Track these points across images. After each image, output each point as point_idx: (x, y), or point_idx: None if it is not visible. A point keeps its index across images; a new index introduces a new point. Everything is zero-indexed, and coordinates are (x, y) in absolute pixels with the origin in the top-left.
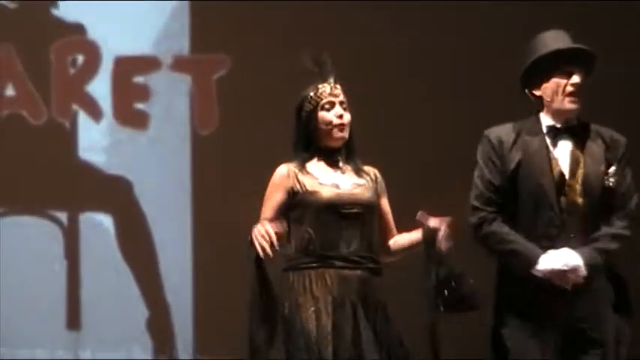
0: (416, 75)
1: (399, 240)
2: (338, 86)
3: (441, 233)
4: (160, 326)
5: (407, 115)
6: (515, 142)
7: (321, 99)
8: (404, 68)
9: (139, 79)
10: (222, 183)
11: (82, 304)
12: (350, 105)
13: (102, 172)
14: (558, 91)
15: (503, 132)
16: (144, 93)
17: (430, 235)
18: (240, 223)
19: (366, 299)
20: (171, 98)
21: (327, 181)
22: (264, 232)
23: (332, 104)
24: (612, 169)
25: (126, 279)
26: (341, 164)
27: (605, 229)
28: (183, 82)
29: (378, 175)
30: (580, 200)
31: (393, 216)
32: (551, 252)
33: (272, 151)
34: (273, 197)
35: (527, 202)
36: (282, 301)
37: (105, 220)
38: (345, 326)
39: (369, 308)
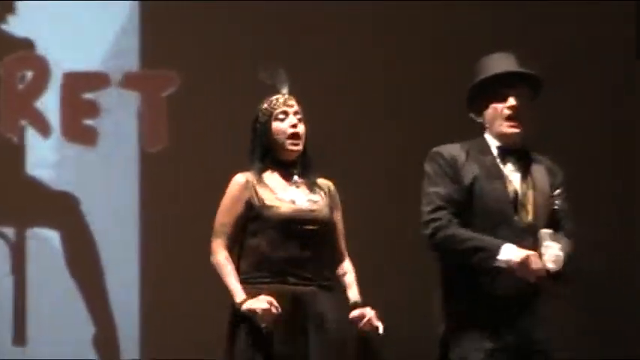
0: (370, 91)
1: (342, 282)
2: (292, 97)
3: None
4: (106, 343)
5: (361, 129)
6: (467, 159)
7: (275, 109)
8: (358, 83)
9: (88, 96)
10: (171, 200)
11: (28, 320)
12: (305, 119)
13: (50, 188)
14: (496, 115)
15: (453, 149)
16: (93, 109)
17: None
18: (188, 241)
19: (318, 316)
20: (120, 115)
21: (284, 196)
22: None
23: (286, 114)
24: (557, 192)
25: (73, 295)
26: (296, 178)
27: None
28: (132, 99)
29: (332, 188)
30: (532, 220)
31: (347, 229)
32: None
33: (221, 169)
34: (233, 207)
35: (483, 219)
36: (234, 316)
37: (52, 237)
38: (296, 343)
39: (321, 325)
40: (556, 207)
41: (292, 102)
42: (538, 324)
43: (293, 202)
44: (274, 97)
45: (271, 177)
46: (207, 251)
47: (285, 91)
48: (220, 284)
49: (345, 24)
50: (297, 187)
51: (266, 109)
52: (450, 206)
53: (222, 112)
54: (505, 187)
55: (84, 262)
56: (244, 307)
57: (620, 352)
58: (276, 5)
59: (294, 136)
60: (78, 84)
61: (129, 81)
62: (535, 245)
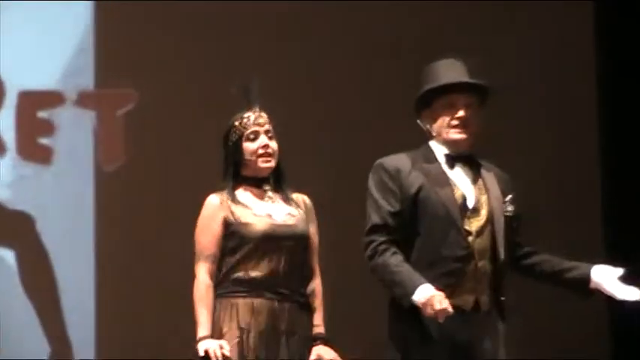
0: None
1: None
2: (263, 114)
3: None
4: None
5: (327, 140)
6: (412, 168)
7: (246, 129)
8: (325, 94)
9: (43, 114)
10: (127, 219)
11: None
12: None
13: (5, 207)
14: (444, 124)
15: (398, 160)
16: (48, 128)
17: None
18: (144, 259)
19: (293, 332)
20: (75, 133)
21: (260, 211)
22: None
23: (256, 134)
24: (509, 197)
25: (28, 315)
26: (270, 193)
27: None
28: (88, 118)
29: (308, 201)
30: (486, 224)
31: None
32: (428, 288)
33: (178, 186)
34: (211, 230)
35: (431, 226)
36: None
37: (7, 256)
38: (268, 357)
39: (297, 341)
40: (508, 213)
41: (263, 120)
42: (494, 336)
43: (270, 216)
44: (245, 116)
45: (245, 194)
46: (162, 269)
47: (256, 107)
48: (181, 303)
49: (297, 35)
50: (273, 201)
51: (237, 127)
52: (392, 221)
53: (178, 129)
54: (452, 193)
55: (40, 281)
56: (199, 345)
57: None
58: (234, 21)
59: (266, 154)
60: (33, 103)
61: (84, 99)
62: (488, 250)
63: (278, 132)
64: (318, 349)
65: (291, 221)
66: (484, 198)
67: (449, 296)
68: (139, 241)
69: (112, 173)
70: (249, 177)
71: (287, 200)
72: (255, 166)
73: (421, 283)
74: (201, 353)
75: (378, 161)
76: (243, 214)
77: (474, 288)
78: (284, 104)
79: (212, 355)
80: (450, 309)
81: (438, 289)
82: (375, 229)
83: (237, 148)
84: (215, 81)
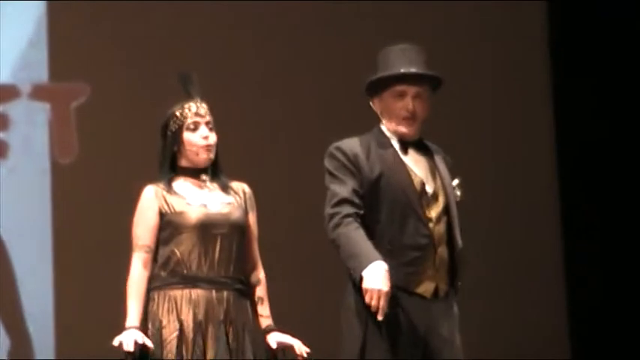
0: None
1: (253, 293)
2: (204, 105)
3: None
4: (21, 356)
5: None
6: (368, 154)
7: (186, 119)
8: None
9: None
10: (84, 211)
11: None
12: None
13: None
14: (393, 112)
15: (354, 145)
16: (3, 122)
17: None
18: (101, 251)
19: (232, 321)
20: (30, 127)
21: (195, 201)
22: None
23: (197, 124)
24: (456, 181)
25: None
26: (208, 183)
27: None
28: (42, 111)
29: (247, 190)
30: (443, 210)
31: (262, 232)
32: (380, 267)
33: (134, 178)
34: (146, 221)
35: (391, 214)
36: (147, 322)
37: None
38: (208, 350)
39: (236, 330)
40: (457, 198)
41: (204, 111)
42: (452, 323)
43: (204, 206)
44: (186, 105)
45: (182, 184)
46: (120, 260)
47: (197, 98)
48: None
49: (254, 26)
50: (210, 191)
51: (177, 117)
52: (353, 200)
53: (132, 121)
54: (411, 180)
55: None
56: (118, 337)
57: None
58: (187, 14)
59: (206, 146)
60: None
61: (38, 92)
62: (447, 235)
63: (218, 122)
64: (276, 337)
65: (226, 209)
66: (439, 183)
67: (410, 285)
68: (96, 233)
69: (68, 166)
70: (186, 167)
71: (225, 189)
72: (194, 157)
73: (375, 259)
74: (115, 344)
75: (334, 145)
76: (177, 204)
77: (434, 275)
78: (227, 96)
79: (124, 346)
80: (381, 316)
81: (398, 278)
82: (343, 201)
83: (177, 137)
84: (166, 74)
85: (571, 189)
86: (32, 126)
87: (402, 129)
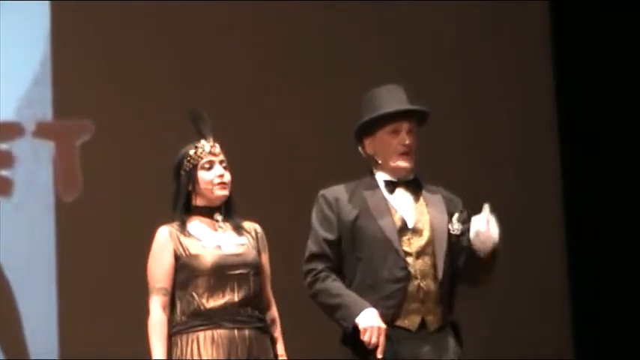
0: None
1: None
2: (217, 145)
3: None
4: None
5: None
6: (352, 197)
7: (201, 158)
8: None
9: (2, 146)
10: (88, 249)
11: None
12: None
13: None
14: (389, 150)
15: (338, 190)
16: (7, 159)
17: None
18: (106, 290)
19: (256, 359)
20: (34, 164)
21: (209, 243)
22: None
23: (212, 163)
24: (455, 216)
25: None
26: (221, 223)
27: None
28: (46, 149)
29: (259, 230)
30: (428, 244)
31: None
32: (372, 311)
33: (138, 216)
34: (162, 262)
35: (372, 250)
36: None
37: None
38: None
39: None
40: (456, 232)
41: (217, 150)
42: (438, 350)
43: (219, 247)
44: (199, 145)
45: (195, 225)
46: (125, 298)
47: (210, 137)
48: (142, 333)
49: (260, 59)
50: (224, 231)
51: (191, 157)
52: (326, 253)
53: (137, 159)
54: (391, 217)
55: (1, 314)
56: None
57: None
58: (192, 49)
59: (222, 183)
60: None
61: (42, 130)
62: (429, 269)
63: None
64: None
65: (240, 250)
66: (426, 218)
67: (393, 318)
68: (101, 270)
69: (72, 203)
70: (200, 207)
71: (237, 229)
72: (210, 195)
73: (366, 307)
74: None
75: (320, 192)
76: (192, 247)
77: (418, 308)
78: (237, 134)
79: None
80: (380, 354)
81: (381, 313)
82: (313, 257)
83: (192, 177)
84: (173, 111)
85: (575, 191)
86: (37, 163)
87: (401, 164)
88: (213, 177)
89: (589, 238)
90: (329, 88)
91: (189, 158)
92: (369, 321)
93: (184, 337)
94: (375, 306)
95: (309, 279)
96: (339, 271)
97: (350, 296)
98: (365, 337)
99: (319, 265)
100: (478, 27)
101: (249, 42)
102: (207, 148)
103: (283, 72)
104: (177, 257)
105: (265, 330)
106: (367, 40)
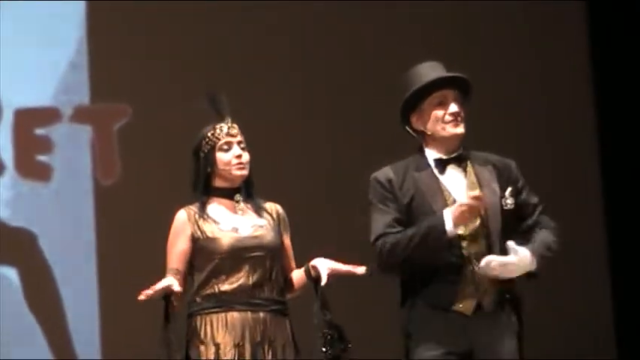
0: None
1: (293, 277)
2: (235, 126)
3: (325, 271)
4: None
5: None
6: (404, 179)
7: (219, 139)
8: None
9: (40, 131)
10: (127, 233)
11: None
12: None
13: (5, 224)
14: (438, 121)
15: (390, 172)
16: (45, 145)
17: (315, 275)
18: (146, 273)
19: (271, 342)
20: (73, 149)
21: (226, 226)
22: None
23: (230, 144)
24: (508, 191)
25: (33, 331)
26: (241, 204)
27: (543, 235)
28: (84, 133)
29: (281, 211)
30: (481, 226)
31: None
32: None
33: (176, 199)
34: (178, 245)
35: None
36: (184, 348)
37: (10, 273)
38: None
39: (275, 351)
40: (509, 207)
41: (235, 131)
42: (499, 335)
43: (236, 230)
44: (218, 126)
45: (215, 207)
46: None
47: (228, 119)
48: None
49: (287, 47)
50: (244, 213)
51: (209, 138)
52: (397, 226)
53: (174, 141)
54: (445, 201)
55: (43, 297)
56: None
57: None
58: (226, 35)
59: (240, 163)
60: (29, 120)
61: (80, 115)
62: (485, 253)
63: (250, 142)
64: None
65: (258, 232)
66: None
67: (448, 303)
68: (139, 253)
69: (111, 187)
70: (220, 188)
71: (258, 210)
72: (229, 176)
73: (441, 215)
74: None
75: (373, 175)
76: (209, 230)
77: (474, 292)
78: (267, 114)
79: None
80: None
81: (437, 298)
82: (379, 237)
83: (210, 158)
84: (203, 91)
85: (615, 186)
86: (75, 148)
87: (451, 131)
88: (231, 158)
89: (631, 235)
90: (355, 74)
91: (207, 140)
92: (452, 211)
93: (198, 318)
94: (431, 292)
95: (378, 251)
96: None
97: (419, 225)
98: (466, 209)
99: (385, 237)
100: (518, 26)
101: (277, 28)
102: (225, 129)
103: (309, 56)
104: (194, 240)
105: (284, 312)
106: (396, 32)
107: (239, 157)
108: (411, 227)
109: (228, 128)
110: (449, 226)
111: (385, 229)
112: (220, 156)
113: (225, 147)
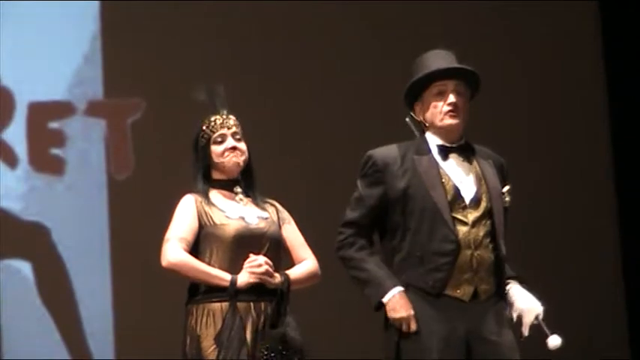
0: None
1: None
2: (231, 117)
3: None
4: None
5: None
6: (402, 162)
7: (213, 132)
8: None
9: (53, 125)
10: (140, 227)
11: (2, 351)
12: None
13: (19, 218)
14: (436, 111)
15: (388, 153)
16: (59, 138)
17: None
18: (159, 267)
19: (275, 332)
20: (86, 143)
21: (233, 214)
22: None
23: (223, 137)
24: (507, 188)
25: (47, 325)
26: (241, 196)
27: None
28: (98, 127)
29: (277, 205)
30: (485, 215)
31: None
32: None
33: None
34: (189, 219)
35: (420, 221)
36: (185, 337)
37: (24, 267)
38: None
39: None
40: (506, 204)
41: (231, 122)
42: (491, 318)
43: (242, 219)
44: (212, 119)
45: (217, 196)
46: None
47: (223, 110)
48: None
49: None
50: (245, 204)
51: (204, 131)
52: (360, 222)
53: (188, 135)
54: (443, 186)
55: (56, 291)
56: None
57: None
58: (237, 30)
59: (234, 149)
60: (43, 114)
61: (93, 109)
62: (484, 242)
63: (252, 134)
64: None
65: (262, 224)
66: (484, 188)
67: (442, 288)
68: (152, 247)
69: (124, 181)
70: (219, 180)
71: (258, 203)
72: (224, 167)
73: (392, 286)
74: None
75: (369, 153)
76: (216, 216)
77: (471, 278)
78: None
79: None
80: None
81: (429, 284)
82: (348, 224)
83: (206, 151)
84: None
85: (628, 186)
86: (88, 142)
87: (447, 122)
88: (224, 150)
89: None
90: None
91: (202, 133)
92: (397, 313)
93: (200, 307)
94: (423, 277)
95: (336, 244)
96: (370, 239)
97: (372, 271)
98: (393, 318)
99: (348, 231)
100: (530, 23)
101: (287, 23)
102: (219, 121)
103: (317, 55)
104: (201, 225)
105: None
106: (402, 30)
107: (233, 148)
108: (368, 263)
109: (223, 120)
110: (385, 299)
111: (353, 229)
112: (214, 149)
113: (219, 139)
